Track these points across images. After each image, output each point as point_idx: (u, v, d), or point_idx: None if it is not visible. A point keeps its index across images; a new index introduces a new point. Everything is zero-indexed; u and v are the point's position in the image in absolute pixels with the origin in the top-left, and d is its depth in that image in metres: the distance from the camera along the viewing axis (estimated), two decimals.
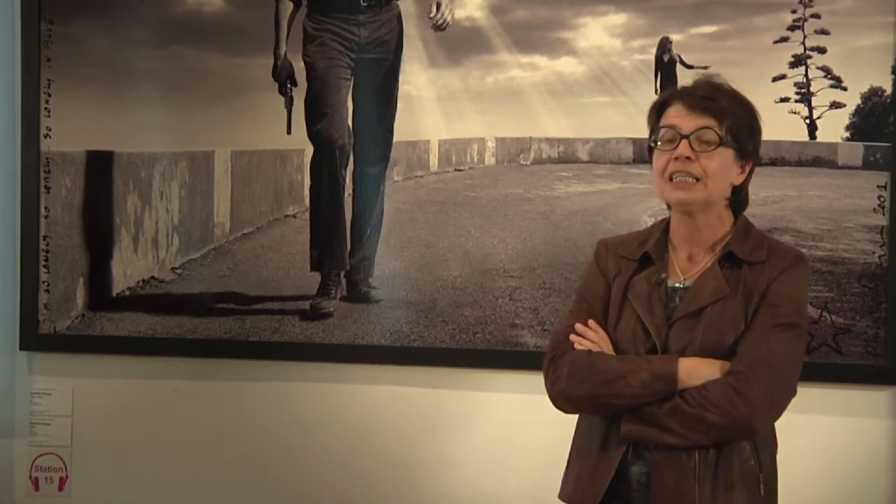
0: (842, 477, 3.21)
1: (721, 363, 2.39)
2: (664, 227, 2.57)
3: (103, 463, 3.57)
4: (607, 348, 2.50)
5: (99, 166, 3.53)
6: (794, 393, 2.44)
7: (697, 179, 2.42)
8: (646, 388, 2.40)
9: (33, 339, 3.56)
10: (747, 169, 2.49)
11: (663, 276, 2.51)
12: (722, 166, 2.44)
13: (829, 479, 3.21)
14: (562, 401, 2.52)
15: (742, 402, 2.34)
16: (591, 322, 2.53)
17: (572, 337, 2.53)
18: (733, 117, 2.44)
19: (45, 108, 3.53)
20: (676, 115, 2.46)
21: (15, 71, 3.53)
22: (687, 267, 2.51)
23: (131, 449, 3.55)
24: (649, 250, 2.55)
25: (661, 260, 2.53)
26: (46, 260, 3.55)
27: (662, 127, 2.47)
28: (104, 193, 3.53)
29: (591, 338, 2.51)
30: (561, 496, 2.57)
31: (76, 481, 3.58)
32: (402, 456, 3.44)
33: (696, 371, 2.39)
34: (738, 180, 2.48)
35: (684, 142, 2.42)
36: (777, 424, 2.48)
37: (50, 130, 3.53)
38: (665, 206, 2.61)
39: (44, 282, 3.55)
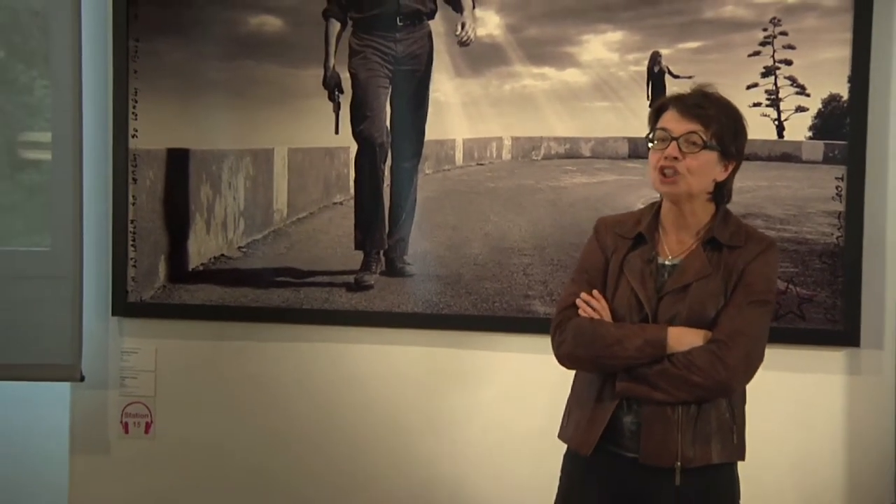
0: (805, 423, 3.23)
1: (704, 332, 2.42)
2: (655, 210, 2.57)
3: (182, 410, 3.59)
4: (607, 316, 2.51)
5: (177, 161, 3.54)
6: (763, 358, 2.47)
7: (682, 175, 2.43)
8: (639, 352, 2.42)
9: (123, 306, 3.58)
10: (730, 168, 2.49)
11: (654, 254, 2.52)
12: (704, 165, 2.44)
13: (794, 424, 3.22)
14: (567, 360, 2.55)
15: (722, 367, 2.37)
16: (595, 292, 2.53)
17: (578, 302, 2.54)
18: (718, 124, 2.44)
19: (133, 113, 3.53)
20: (670, 120, 2.47)
21: (107, 81, 3.53)
22: (675, 247, 2.52)
23: (205, 399, 3.58)
24: (643, 231, 2.55)
25: (652, 240, 2.53)
26: (134, 240, 3.56)
27: (658, 128, 2.48)
28: (181, 184, 3.54)
29: (594, 306, 2.52)
30: (561, 437, 2.61)
31: (159, 425, 3.60)
32: (432, 405, 3.45)
33: (682, 339, 2.41)
34: (721, 177, 2.48)
35: (673, 143, 2.43)
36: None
37: (136, 131, 3.53)
38: (657, 194, 2.58)
39: (131, 258, 3.56)
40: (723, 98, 2.51)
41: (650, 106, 2.65)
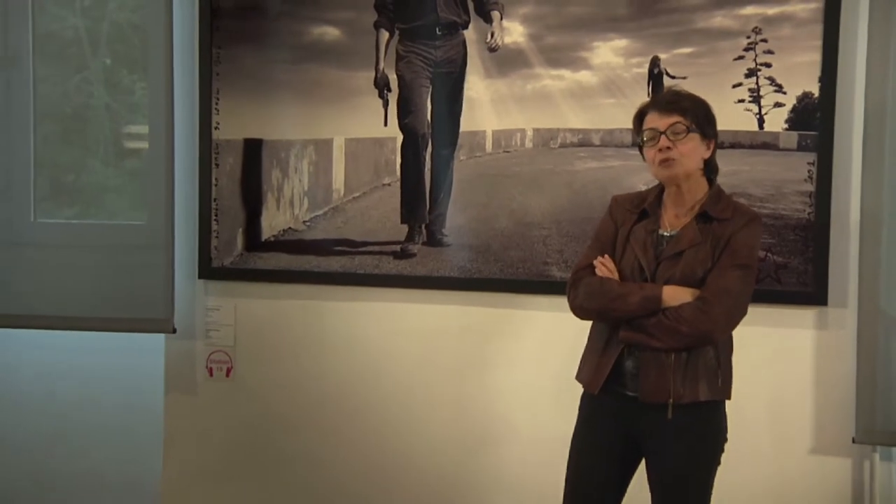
0: (780, 370, 3.24)
1: (692, 290, 2.48)
2: (658, 191, 2.64)
3: (257, 357, 3.62)
4: (615, 277, 2.57)
5: (252, 149, 3.56)
6: (745, 313, 2.52)
7: (677, 159, 2.50)
8: (638, 306, 2.48)
9: (208, 270, 3.60)
10: (711, 146, 2.56)
11: (655, 226, 2.59)
12: (693, 148, 2.51)
13: (771, 371, 3.24)
14: (578, 311, 2.62)
15: (706, 319, 2.43)
16: (606, 256, 2.60)
17: (595, 263, 2.60)
18: (693, 112, 2.52)
19: (216, 109, 3.54)
20: (653, 120, 2.53)
21: (195, 82, 3.55)
22: (673, 221, 2.58)
23: (276, 348, 3.60)
24: (647, 207, 2.62)
25: (654, 214, 2.60)
26: (216, 215, 3.58)
27: (645, 130, 2.55)
28: (256, 168, 3.56)
29: (607, 266, 2.59)
30: (577, 379, 2.68)
31: (238, 370, 3.63)
32: (467, 356, 3.47)
33: (674, 295, 2.48)
34: (707, 155, 2.56)
35: (663, 136, 2.50)
36: (736, 334, 2.57)
37: (218, 124, 3.54)
38: (658, 182, 2.65)
39: (214, 231, 3.58)
40: (690, 93, 2.59)
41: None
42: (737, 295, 2.47)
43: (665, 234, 2.57)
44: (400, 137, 3.50)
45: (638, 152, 2.66)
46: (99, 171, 3.88)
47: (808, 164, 3.18)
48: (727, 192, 2.68)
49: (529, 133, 3.41)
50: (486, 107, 3.43)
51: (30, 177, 3.71)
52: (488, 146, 3.45)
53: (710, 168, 2.59)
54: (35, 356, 3.85)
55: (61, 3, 3.79)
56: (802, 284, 3.20)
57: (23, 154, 3.71)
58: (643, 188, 2.85)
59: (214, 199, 3.60)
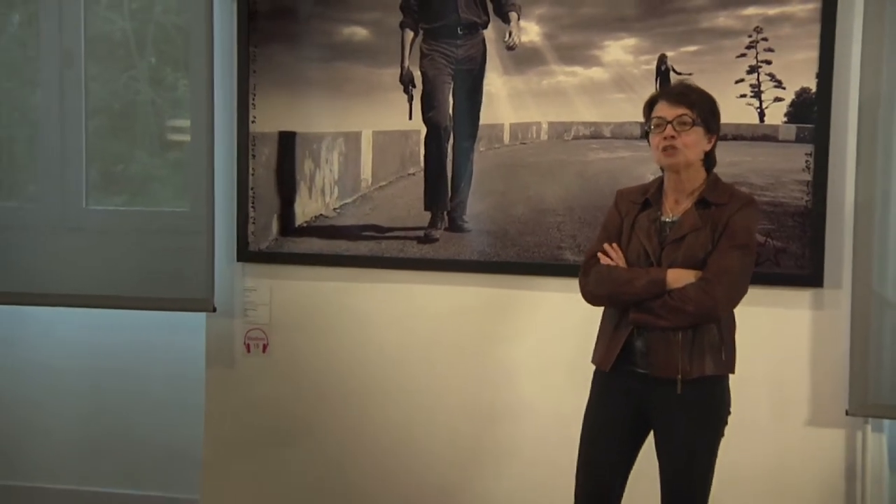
0: (779, 347, 3.27)
1: (695, 272, 2.51)
2: (659, 182, 2.67)
3: (290, 334, 3.65)
4: (622, 263, 2.60)
5: (286, 141, 3.58)
6: (745, 292, 2.55)
7: (679, 149, 2.53)
8: (645, 289, 2.52)
9: (245, 254, 3.63)
10: (713, 140, 2.59)
11: (658, 214, 2.62)
12: (696, 140, 2.53)
13: (770, 349, 3.25)
14: (589, 297, 2.67)
15: (709, 298, 2.47)
16: (614, 245, 2.64)
17: (599, 254, 2.65)
18: (700, 106, 2.54)
19: (252, 103, 3.57)
20: (662, 108, 2.56)
21: (233, 79, 3.59)
22: (674, 208, 2.61)
23: (308, 326, 3.63)
24: (649, 197, 2.65)
25: (657, 203, 2.64)
26: (253, 203, 3.61)
27: (653, 118, 2.58)
28: (290, 159, 3.59)
29: (611, 255, 2.63)
30: (592, 360, 2.71)
31: (273, 346, 3.66)
32: (486, 332, 3.50)
33: (678, 278, 2.51)
34: (708, 148, 2.58)
35: (669, 126, 2.53)
36: (737, 314, 2.60)
37: (255, 118, 3.58)
38: (660, 169, 2.68)
39: (251, 217, 3.62)
40: (700, 87, 2.61)
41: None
42: (737, 274, 2.50)
43: (667, 220, 2.60)
44: (424, 130, 3.52)
45: (646, 143, 2.68)
46: (145, 162, 3.95)
47: (806, 154, 3.20)
48: (730, 181, 2.71)
49: (544, 126, 3.43)
50: (504, 101, 3.45)
51: (82, 167, 3.79)
52: (506, 138, 3.46)
53: (709, 160, 2.62)
54: (86, 333, 3.93)
55: (111, 7, 3.85)
56: (800, 267, 3.22)
57: (75, 146, 3.79)
58: (651, 178, 2.89)
59: (251, 188, 3.63)
